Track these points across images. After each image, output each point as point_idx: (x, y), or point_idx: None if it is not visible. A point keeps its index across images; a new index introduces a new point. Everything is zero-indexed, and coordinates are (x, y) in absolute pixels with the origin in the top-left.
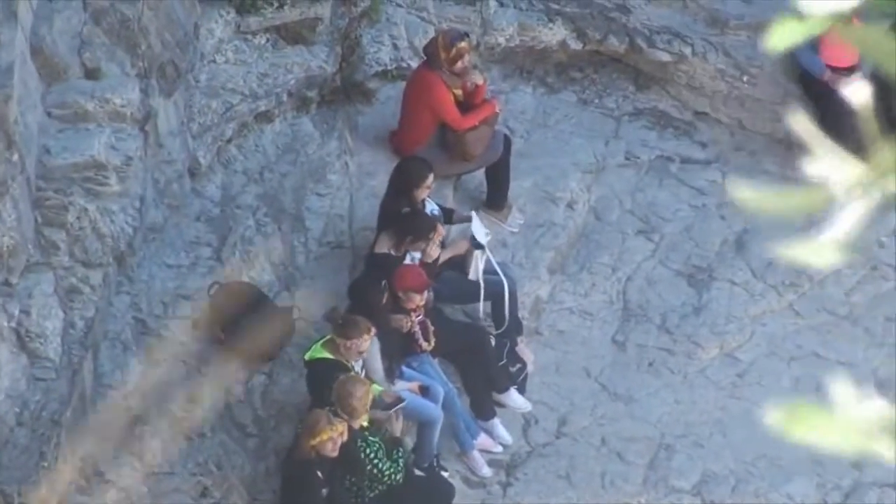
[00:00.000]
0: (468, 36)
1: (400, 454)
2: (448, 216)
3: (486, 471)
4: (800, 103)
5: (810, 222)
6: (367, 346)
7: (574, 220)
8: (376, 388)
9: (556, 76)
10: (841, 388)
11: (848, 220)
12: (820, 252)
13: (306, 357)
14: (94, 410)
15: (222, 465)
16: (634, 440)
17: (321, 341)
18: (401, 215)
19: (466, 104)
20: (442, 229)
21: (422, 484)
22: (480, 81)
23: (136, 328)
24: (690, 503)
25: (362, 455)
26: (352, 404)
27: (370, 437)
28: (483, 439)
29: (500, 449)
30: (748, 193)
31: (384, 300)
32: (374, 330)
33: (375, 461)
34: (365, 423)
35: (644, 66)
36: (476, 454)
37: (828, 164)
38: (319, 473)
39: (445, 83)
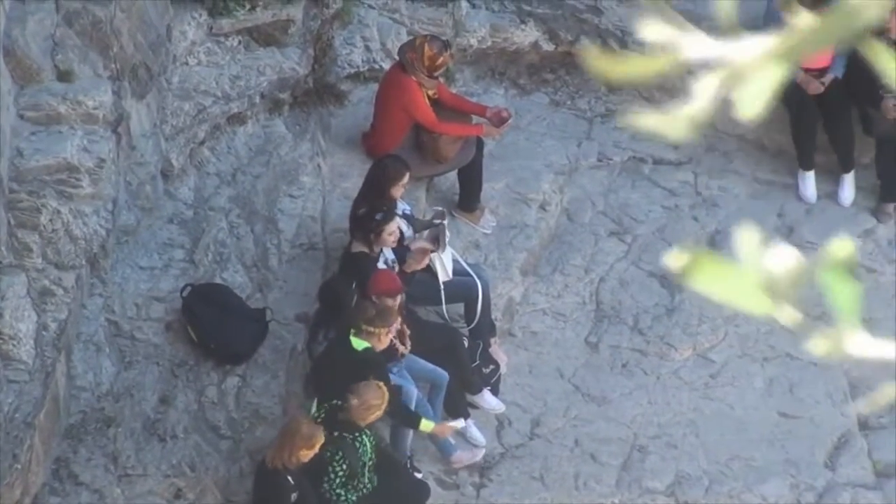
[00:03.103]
0: (450, 46)
1: (369, 466)
2: (414, 222)
3: (480, 447)
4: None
5: (783, 223)
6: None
7: (547, 222)
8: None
9: (528, 78)
10: (746, 239)
11: (703, 94)
12: (672, 126)
13: (358, 348)
14: (68, 413)
15: (196, 466)
16: (608, 441)
17: (353, 335)
18: (360, 216)
19: (446, 107)
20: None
21: (398, 486)
22: (506, 114)
23: (110, 330)
24: (664, 503)
25: (329, 462)
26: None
27: (367, 439)
28: (460, 454)
29: (479, 458)
30: (598, 59)
31: (353, 301)
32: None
33: (338, 469)
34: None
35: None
36: (460, 454)
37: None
38: (290, 479)
39: (420, 84)
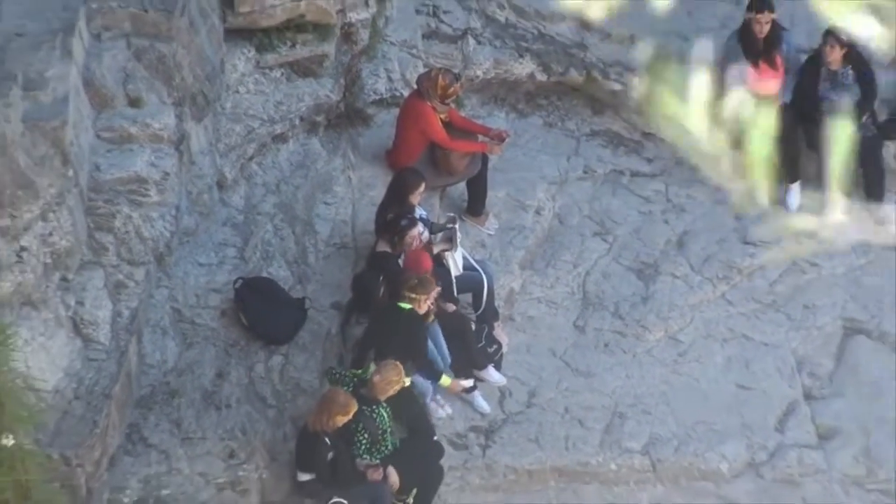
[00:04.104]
0: (459, 77)
1: (389, 432)
2: (430, 225)
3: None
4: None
5: (741, 225)
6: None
7: (541, 224)
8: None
9: (525, 103)
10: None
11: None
12: (690, 118)
13: (405, 310)
14: (139, 386)
15: (247, 431)
16: (592, 409)
17: (401, 304)
18: (386, 221)
19: (456, 128)
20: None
21: (417, 445)
22: (506, 134)
23: (174, 316)
24: (640, 461)
25: (353, 432)
26: (391, 382)
27: (384, 411)
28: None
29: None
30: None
31: (381, 292)
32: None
33: (361, 438)
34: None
35: (599, 94)
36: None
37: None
38: (327, 440)
39: (434, 109)
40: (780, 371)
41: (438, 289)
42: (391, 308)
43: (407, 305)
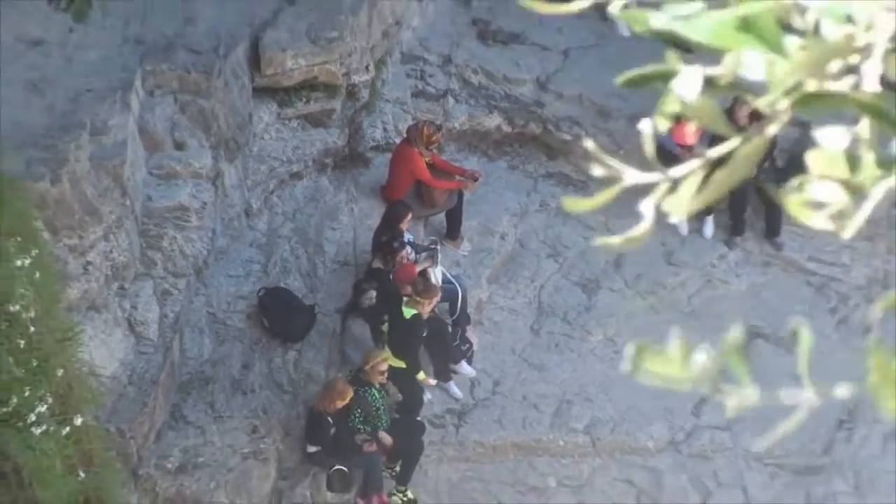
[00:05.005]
0: (441, 128)
1: (382, 410)
2: (415, 247)
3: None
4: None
5: (666, 250)
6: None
7: (505, 247)
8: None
9: (493, 150)
10: (676, 343)
11: (647, 210)
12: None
13: (407, 315)
14: (180, 374)
15: (267, 411)
16: (545, 396)
17: (405, 305)
18: (381, 243)
19: (438, 169)
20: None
21: (404, 425)
22: (478, 174)
23: (209, 318)
24: (582, 439)
25: (350, 408)
26: (379, 369)
27: (375, 392)
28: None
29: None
30: (572, 202)
31: (374, 298)
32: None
33: (356, 413)
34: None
35: (553, 143)
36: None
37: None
38: (329, 419)
39: (420, 153)
40: None
41: (439, 295)
42: (398, 315)
43: (410, 312)
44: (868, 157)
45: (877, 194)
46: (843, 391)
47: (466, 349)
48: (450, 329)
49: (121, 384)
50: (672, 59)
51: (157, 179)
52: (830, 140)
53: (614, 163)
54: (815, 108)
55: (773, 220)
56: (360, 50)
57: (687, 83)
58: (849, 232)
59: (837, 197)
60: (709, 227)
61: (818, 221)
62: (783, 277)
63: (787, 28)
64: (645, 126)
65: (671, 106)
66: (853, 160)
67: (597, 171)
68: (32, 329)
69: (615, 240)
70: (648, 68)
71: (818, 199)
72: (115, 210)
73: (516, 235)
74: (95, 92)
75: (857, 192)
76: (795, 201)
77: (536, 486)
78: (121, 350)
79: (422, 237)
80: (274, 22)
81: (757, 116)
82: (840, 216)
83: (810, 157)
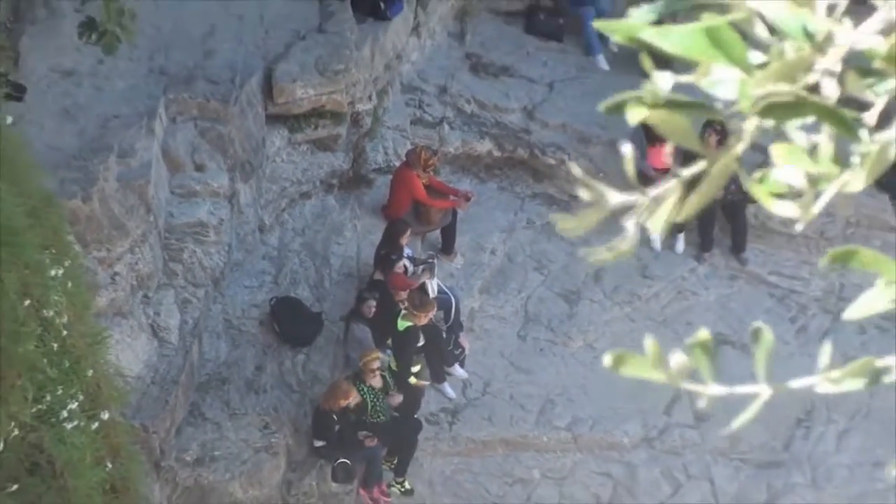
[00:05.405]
0: (437, 152)
1: (378, 402)
2: (414, 261)
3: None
4: (637, 188)
5: (640, 264)
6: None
7: (495, 261)
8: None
9: (484, 172)
10: (652, 347)
11: (629, 229)
12: (609, 251)
13: (400, 328)
14: (199, 375)
15: (278, 409)
16: (531, 396)
17: (401, 318)
18: (381, 257)
19: (434, 190)
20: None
21: (402, 423)
22: (470, 195)
23: (225, 325)
24: (564, 435)
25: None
26: (372, 369)
27: (371, 395)
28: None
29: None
30: (562, 221)
31: (373, 308)
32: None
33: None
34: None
35: (539, 166)
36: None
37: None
38: (334, 416)
39: (418, 175)
40: None
41: (435, 308)
42: (395, 328)
43: (405, 324)
44: (826, 150)
45: (833, 188)
46: (797, 384)
47: (459, 353)
48: (444, 335)
49: (144, 384)
50: (646, 62)
51: (179, 198)
52: (795, 137)
53: (598, 186)
54: (778, 117)
55: (739, 238)
56: (363, 81)
57: (661, 81)
58: (808, 217)
59: (799, 182)
60: (680, 244)
61: (782, 208)
62: (747, 289)
63: (750, 40)
64: (626, 149)
65: (638, 111)
66: (813, 153)
67: (583, 194)
68: (65, 333)
69: (603, 251)
70: (626, 94)
71: (781, 183)
72: (141, 226)
73: (505, 250)
74: (123, 118)
75: (815, 183)
76: (762, 190)
77: (522, 478)
78: (145, 353)
79: (419, 252)
80: (286, 55)
81: (724, 143)
82: (802, 204)
83: (774, 149)
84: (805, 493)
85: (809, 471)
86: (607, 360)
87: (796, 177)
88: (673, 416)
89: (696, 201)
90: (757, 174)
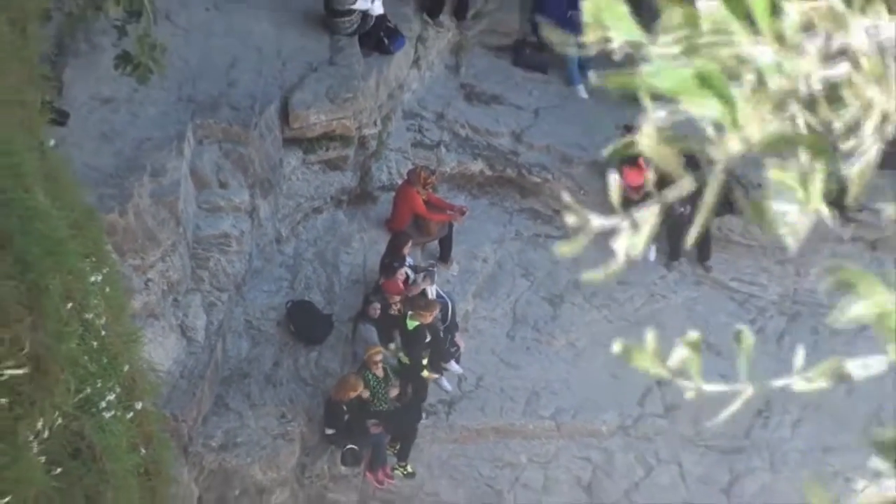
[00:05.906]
0: (435, 172)
1: (381, 389)
2: (415, 268)
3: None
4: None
5: (623, 281)
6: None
7: (486, 269)
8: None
9: (477, 189)
10: (650, 341)
11: (619, 250)
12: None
13: (410, 328)
14: (223, 370)
15: (294, 400)
16: (518, 389)
17: (409, 318)
18: (386, 264)
19: (433, 205)
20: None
21: (403, 409)
22: (465, 209)
23: (246, 325)
24: (548, 424)
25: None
26: (375, 361)
27: (374, 382)
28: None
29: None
30: (562, 248)
31: (378, 310)
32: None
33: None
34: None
35: (526, 184)
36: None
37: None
38: (344, 407)
39: (418, 192)
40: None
41: (439, 307)
42: (404, 327)
43: (413, 324)
44: (816, 178)
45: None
46: (779, 382)
47: (455, 351)
48: (442, 334)
49: (174, 378)
50: (647, 99)
51: (205, 212)
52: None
53: (583, 211)
54: (768, 148)
55: (704, 248)
56: (369, 108)
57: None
58: (797, 238)
59: (791, 211)
60: (652, 253)
61: (776, 228)
62: (712, 294)
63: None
64: (612, 179)
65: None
66: (804, 178)
67: (569, 219)
68: (104, 333)
69: (597, 274)
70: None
71: (777, 211)
72: (171, 237)
73: (496, 259)
74: (155, 141)
75: (805, 207)
76: (761, 213)
77: (511, 462)
78: (174, 350)
79: (420, 260)
80: (300, 85)
81: (693, 163)
82: (792, 228)
83: (771, 170)
84: (763, 475)
85: (767, 456)
86: (616, 349)
87: (791, 209)
88: (646, 406)
89: (698, 227)
90: (754, 201)
